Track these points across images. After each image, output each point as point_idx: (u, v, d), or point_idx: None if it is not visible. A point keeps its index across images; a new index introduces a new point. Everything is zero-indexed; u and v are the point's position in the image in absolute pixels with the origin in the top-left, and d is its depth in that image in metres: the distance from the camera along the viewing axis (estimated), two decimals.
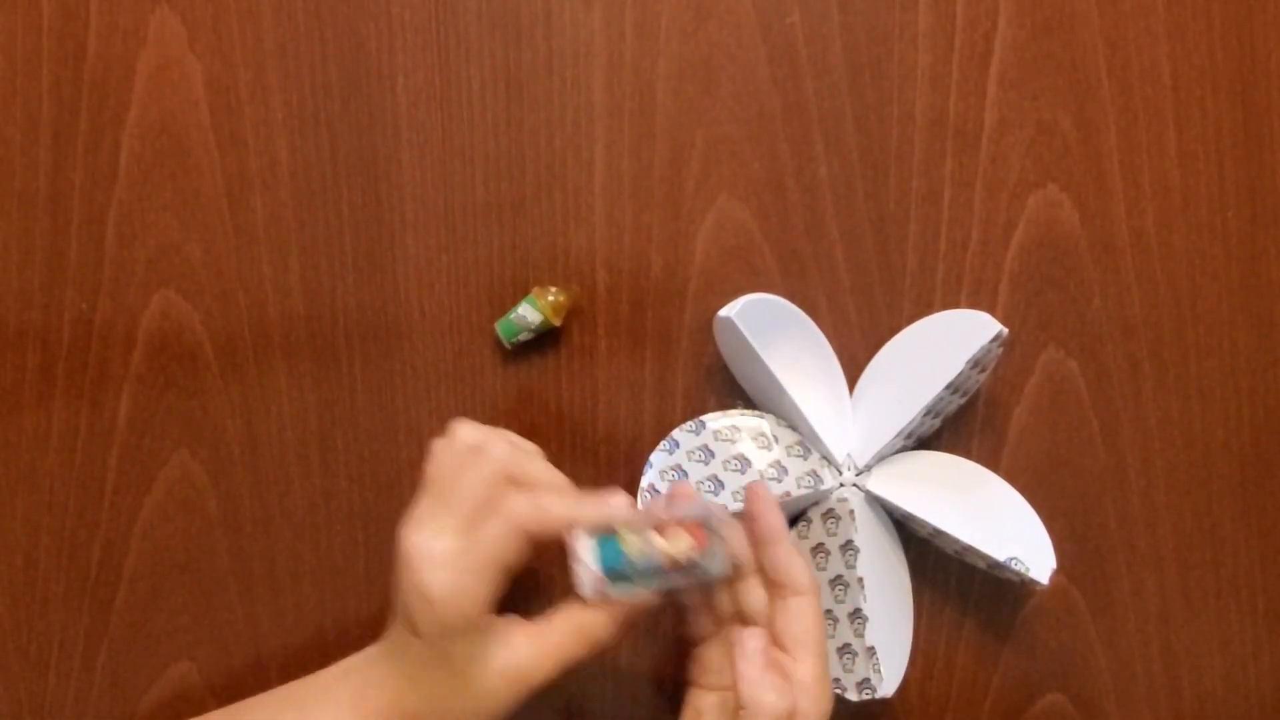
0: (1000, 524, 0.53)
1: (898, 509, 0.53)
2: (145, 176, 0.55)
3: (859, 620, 0.52)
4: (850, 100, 0.56)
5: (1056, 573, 0.51)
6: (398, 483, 0.57)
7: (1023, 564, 0.51)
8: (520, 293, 0.56)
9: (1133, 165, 0.57)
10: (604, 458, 0.57)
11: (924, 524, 0.53)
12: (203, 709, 0.57)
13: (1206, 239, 0.57)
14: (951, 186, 0.56)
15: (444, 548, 0.43)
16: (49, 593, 0.57)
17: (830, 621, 0.53)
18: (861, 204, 0.56)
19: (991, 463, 0.57)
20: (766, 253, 0.56)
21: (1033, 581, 0.51)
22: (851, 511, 0.53)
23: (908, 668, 0.55)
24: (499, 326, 0.55)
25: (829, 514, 0.54)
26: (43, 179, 0.56)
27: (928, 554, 0.57)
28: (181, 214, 0.56)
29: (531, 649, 0.44)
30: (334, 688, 0.48)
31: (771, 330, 0.52)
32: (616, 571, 0.44)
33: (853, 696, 0.52)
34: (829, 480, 0.54)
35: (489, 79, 0.55)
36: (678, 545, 0.44)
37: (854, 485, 0.55)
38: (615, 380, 0.57)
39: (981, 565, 0.54)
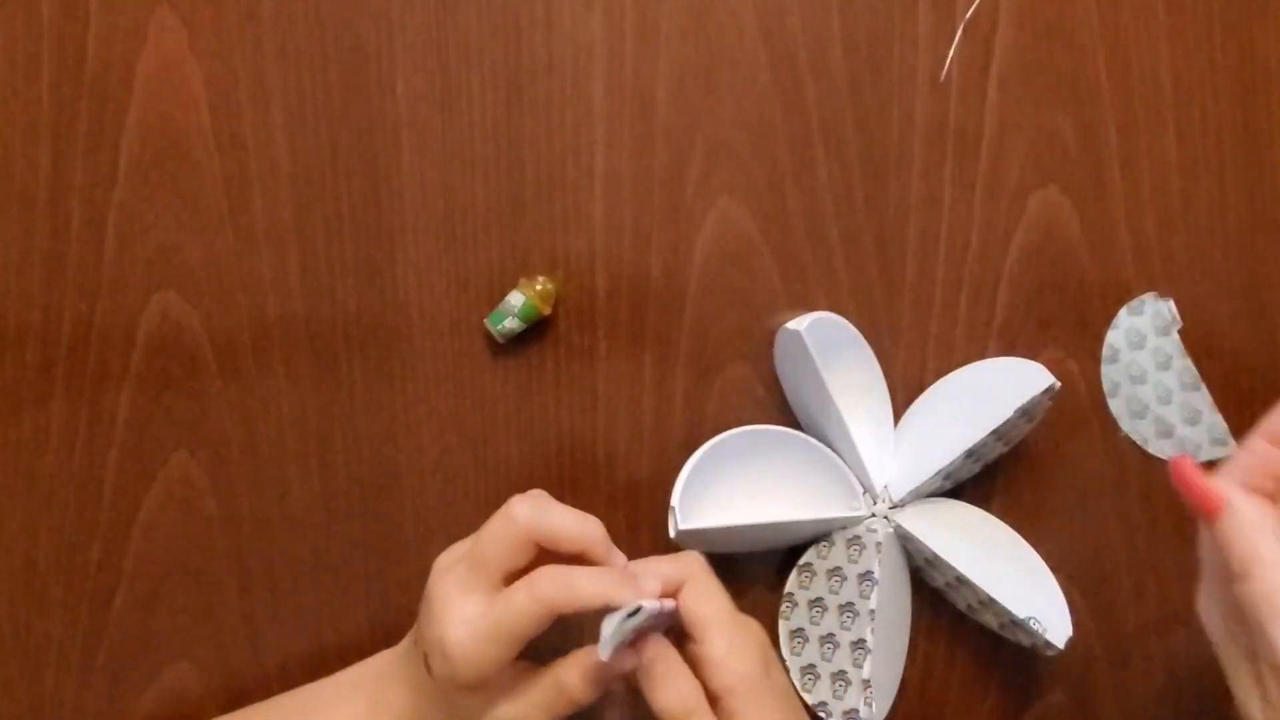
0: (1021, 584, 0.53)
1: (927, 549, 0.52)
2: (145, 177, 0.55)
3: (860, 650, 0.52)
4: (850, 104, 0.56)
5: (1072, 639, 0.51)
6: (397, 483, 0.57)
7: (1040, 624, 0.51)
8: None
9: (1133, 169, 0.57)
10: (602, 459, 0.57)
11: (947, 570, 0.52)
12: (201, 710, 0.57)
13: (1206, 243, 0.57)
14: (952, 190, 0.57)
15: (471, 608, 0.43)
16: (47, 593, 0.57)
17: (830, 645, 0.53)
18: (861, 208, 0.56)
19: (990, 464, 0.57)
20: (766, 256, 0.56)
21: (1047, 645, 0.51)
22: (879, 544, 0.53)
23: (907, 669, 0.55)
24: (489, 320, 0.55)
25: (854, 540, 0.54)
26: (43, 179, 0.56)
27: None
28: (181, 215, 0.56)
29: (528, 704, 0.45)
30: (354, 689, 0.49)
31: (832, 351, 0.53)
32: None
33: None
34: (862, 508, 0.55)
35: (489, 81, 0.55)
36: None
37: (885, 518, 0.55)
38: (614, 383, 0.57)
39: (993, 625, 0.54)
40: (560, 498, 0.57)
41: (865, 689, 0.51)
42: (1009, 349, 0.57)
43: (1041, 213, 0.57)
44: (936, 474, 0.53)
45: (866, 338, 0.56)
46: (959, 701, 0.58)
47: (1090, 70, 0.56)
